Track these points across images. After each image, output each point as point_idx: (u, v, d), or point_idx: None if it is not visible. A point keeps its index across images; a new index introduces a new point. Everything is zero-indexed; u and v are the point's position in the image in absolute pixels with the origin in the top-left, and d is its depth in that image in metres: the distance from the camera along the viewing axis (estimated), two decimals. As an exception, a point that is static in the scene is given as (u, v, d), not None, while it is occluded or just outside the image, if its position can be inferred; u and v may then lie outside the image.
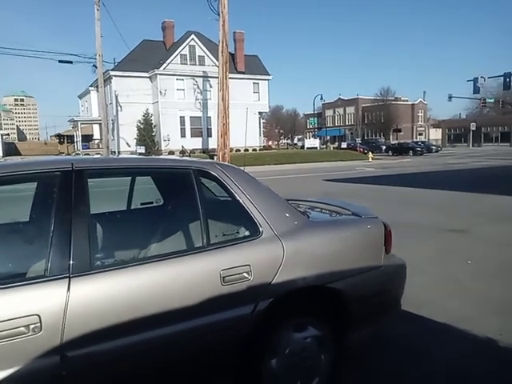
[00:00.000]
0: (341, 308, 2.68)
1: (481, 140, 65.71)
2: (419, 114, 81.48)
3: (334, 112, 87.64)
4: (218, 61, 25.93)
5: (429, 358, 3.21)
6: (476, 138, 63.51)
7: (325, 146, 54.14)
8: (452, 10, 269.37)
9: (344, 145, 51.86)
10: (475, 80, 37.47)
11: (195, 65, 38.43)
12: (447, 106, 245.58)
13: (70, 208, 2.03)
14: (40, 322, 1.79)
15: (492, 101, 52.11)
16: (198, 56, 38.72)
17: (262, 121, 43.94)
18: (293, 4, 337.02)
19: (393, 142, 56.52)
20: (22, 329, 1.76)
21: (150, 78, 37.75)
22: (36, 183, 2.52)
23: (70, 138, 49.64)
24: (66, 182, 2.09)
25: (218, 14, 23.37)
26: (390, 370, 3.09)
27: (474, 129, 58.53)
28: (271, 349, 2.42)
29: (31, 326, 1.77)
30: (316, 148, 45.12)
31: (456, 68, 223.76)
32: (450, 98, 47.63)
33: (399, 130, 52.47)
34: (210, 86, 37.29)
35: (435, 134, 77.36)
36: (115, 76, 36.20)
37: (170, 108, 36.82)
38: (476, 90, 38.74)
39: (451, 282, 4.87)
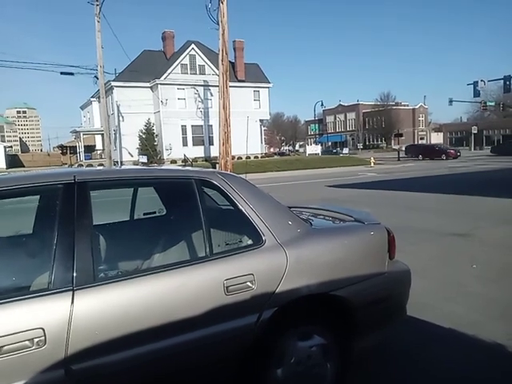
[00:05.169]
0: (346, 315, 2.67)
1: (482, 143, 65.50)
2: (420, 119, 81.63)
3: (335, 118, 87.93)
4: (218, 70, 26.06)
5: (439, 366, 3.15)
6: (477, 141, 63.27)
7: (335, 151, 54.68)
8: (451, 13, 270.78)
9: (345, 150, 52.01)
10: (475, 83, 37.60)
11: (196, 74, 38.63)
12: (448, 110, 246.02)
13: (73, 220, 2.04)
14: (44, 335, 1.79)
15: (493, 104, 52.12)
16: (199, 65, 38.95)
17: (263, 128, 44.03)
18: (292, 12, 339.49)
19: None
20: (27, 342, 1.75)
21: (151, 87, 37.96)
22: (39, 196, 2.53)
23: (73, 149, 49.84)
24: (68, 195, 2.10)
25: (218, 24, 23.51)
26: (396, 379, 3.05)
27: (475, 132, 58.33)
28: (276, 358, 2.40)
29: (35, 340, 1.77)
30: (318, 154, 45.17)
31: (456, 72, 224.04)
32: (451, 101, 47.73)
33: (401, 135, 52.40)
34: (211, 95, 37.46)
35: (437, 138, 77.26)
36: (116, 86, 36.39)
37: (172, 117, 36.97)
38: (476, 94, 38.87)
39: (455, 285, 4.83)
